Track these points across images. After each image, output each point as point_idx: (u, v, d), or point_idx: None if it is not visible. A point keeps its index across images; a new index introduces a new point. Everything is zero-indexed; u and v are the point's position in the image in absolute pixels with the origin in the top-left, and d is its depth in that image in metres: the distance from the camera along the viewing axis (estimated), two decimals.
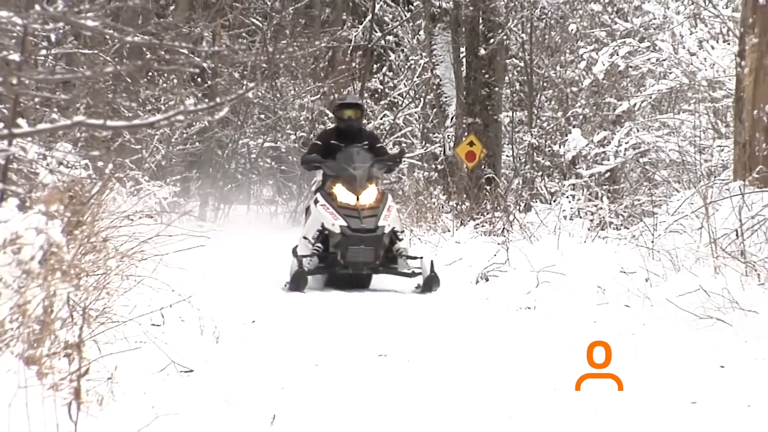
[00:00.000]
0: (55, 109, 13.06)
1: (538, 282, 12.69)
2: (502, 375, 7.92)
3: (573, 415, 5.60)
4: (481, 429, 6.15)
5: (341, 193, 14.08)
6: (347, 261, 13.79)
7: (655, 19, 19.98)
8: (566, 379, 6.49)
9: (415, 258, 14.15)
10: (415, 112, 33.17)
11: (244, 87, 28.49)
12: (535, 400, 5.77)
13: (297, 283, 13.41)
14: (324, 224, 13.92)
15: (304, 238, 14.32)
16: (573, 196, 20.00)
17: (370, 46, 32.50)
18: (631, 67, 20.23)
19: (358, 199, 14.01)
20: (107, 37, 8.35)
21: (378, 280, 14.45)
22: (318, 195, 14.43)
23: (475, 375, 7.88)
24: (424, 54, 31.29)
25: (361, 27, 33.47)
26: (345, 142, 14.73)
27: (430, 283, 13.52)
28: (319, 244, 13.96)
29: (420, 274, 13.80)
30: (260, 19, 32.29)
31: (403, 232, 14.86)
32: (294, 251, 14.21)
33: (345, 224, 13.75)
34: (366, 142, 14.87)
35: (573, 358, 6.95)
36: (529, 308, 11.60)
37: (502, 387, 7.46)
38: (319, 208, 14.11)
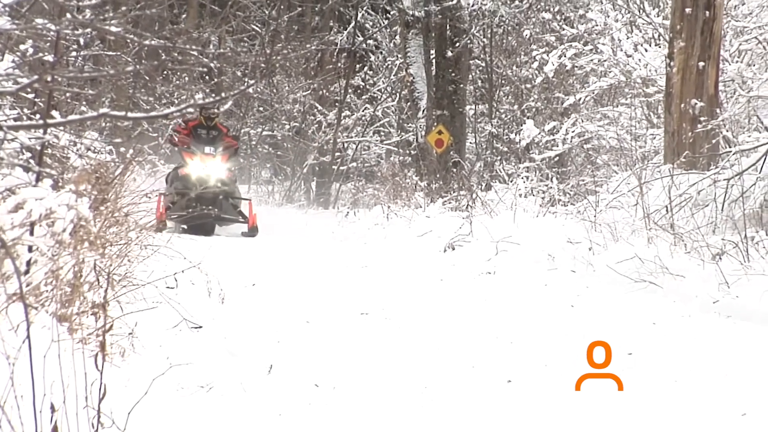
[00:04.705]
0: (84, 103, 13.00)
1: (497, 251, 12.67)
2: (466, 330, 7.95)
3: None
4: (443, 374, 6.18)
5: None
6: None
7: (597, 25, 19.93)
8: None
9: None
10: (392, 105, 33.08)
11: (245, 84, 28.40)
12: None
13: None
14: None
15: None
16: (527, 177, 19.94)
17: (353, 48, 32.38)
18: (576, 66, 20.19)
19: None
20: (128, 41, 8.32)
21: None
22: None
23: (443, 331, 7.89)
24: (399, 56, 31.12)
25: (345, 32, 33.30)
26: None
27: None
28: None
29: None
30: (259, 25, 32.15)
31: None
32: None
33: None
34: None
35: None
36: (489, 273, 11.61)
37: (466, 340, 7.49)
38: None
